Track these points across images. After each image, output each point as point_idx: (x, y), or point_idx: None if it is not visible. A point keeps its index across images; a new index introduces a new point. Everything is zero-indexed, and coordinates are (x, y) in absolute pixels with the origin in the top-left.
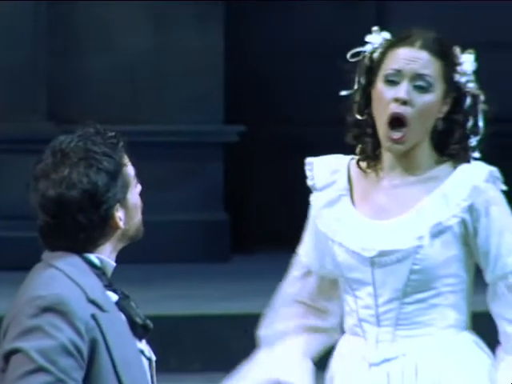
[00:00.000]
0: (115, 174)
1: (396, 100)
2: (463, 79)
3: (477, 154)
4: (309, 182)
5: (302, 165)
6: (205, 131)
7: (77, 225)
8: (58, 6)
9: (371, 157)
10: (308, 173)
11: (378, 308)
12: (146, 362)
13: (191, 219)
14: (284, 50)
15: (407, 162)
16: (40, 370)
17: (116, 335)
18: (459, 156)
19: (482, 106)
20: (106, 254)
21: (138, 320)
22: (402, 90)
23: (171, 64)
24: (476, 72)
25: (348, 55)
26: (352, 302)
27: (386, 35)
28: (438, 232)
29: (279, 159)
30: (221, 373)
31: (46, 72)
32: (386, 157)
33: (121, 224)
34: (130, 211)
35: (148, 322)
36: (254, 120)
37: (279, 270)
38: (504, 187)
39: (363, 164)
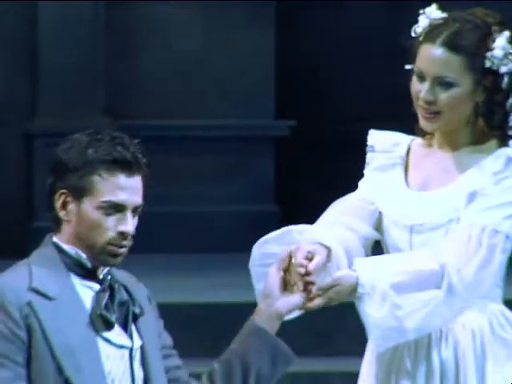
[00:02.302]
0: (74, 167)
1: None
2: (496, 63)
3: None
4: (368, 143)
5: (351, 160)
6: (256, 125)
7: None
8: (115, 8)
9: (425, 133)
10: (369, 137)
11: None
12: (116, 351)
13: (243, 211)
14: (332, 49)
15: (452, 139)
16: None
17: (58, 322)
18: (503, 134)
19: None
20: (74, 247)
21: (98, 311)
22: (424, 90)
23: (224, 62)
24: None
25: (411, 33)
26: None
27: (436, 14)
28: (472, 201)
29: (329, 154)
30: None
31: (104, 70)
32: (437, 134)
33: (61, 213)
34: (80, 217)
35: (108, 315)
36: (304, 116)
37: None
38: None
39: (421, 140)
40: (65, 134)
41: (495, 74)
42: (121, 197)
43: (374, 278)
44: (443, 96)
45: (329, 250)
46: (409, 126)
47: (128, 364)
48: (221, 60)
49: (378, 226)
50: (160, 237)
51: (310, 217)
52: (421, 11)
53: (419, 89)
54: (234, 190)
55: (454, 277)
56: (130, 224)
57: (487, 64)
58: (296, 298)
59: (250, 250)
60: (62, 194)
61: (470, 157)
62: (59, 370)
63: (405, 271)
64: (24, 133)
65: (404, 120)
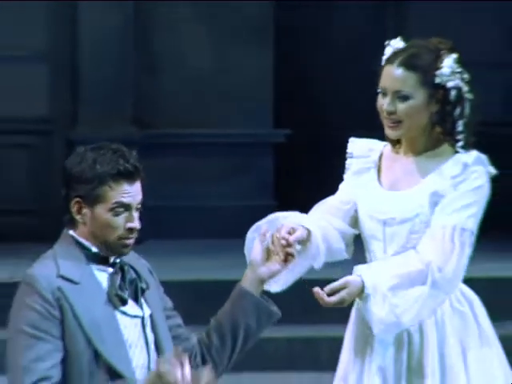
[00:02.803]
0: (86, 177)
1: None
2: (444, 79)
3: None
4: (348, 150)
5: (339, 163)
6: (257, 134)
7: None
8: (141, 30)
9: (394, 141)
10: (349, 145)
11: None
12: (131, 321)
13: (246, 205)
14: (325, 62)
15: (414, 146)
16: (22, 332)
17: (84, 302)
18: (453, 140)
19: (467, 95)
20: (89, 243)
21: (114, 291)
22: (386, 103)
23: (230, 80)
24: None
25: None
26: (367, 254)
27: (399, 45)
28: (434, 201)
29: (320, 157)
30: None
31: (132, 85)
32: (403, 141)
33: (77, 217)
34: (93, 218)
35: (123, 294)
36: (299, 124)
37: None
38: (492, 170)
39: (390, 147)
40: (100, 141)
41: (444, 88)
42: (127, 199)
43: (375, 281)
44: (401, 107)
45: (309, 231)
46: None
47: (141, 331)
48: (227, 78)
49: (355, 223)
50: (177, 225)
51: (303, 209)
52: (386, 43)
53: (382, 103)
54: (238, 187)
55: (436, 274)
56: (136, 221)
57: (437, 80)
58: (276, 265)
59: None
60: (77, 202)
61: (429, 161)
62: (88, 342)
63: (398, 275)
64: (66, 140)
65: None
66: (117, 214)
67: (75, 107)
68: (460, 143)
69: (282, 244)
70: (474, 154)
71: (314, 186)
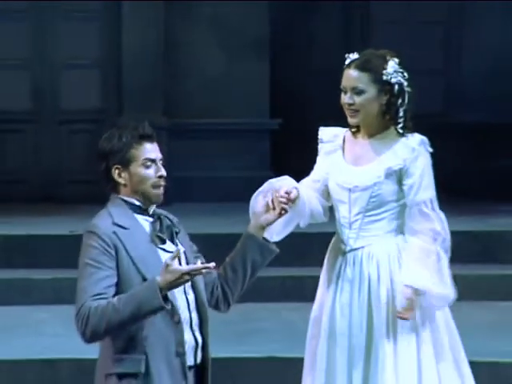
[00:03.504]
0: (118, 147)
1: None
2: (389, 77)
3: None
4: (319, 136)
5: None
6: (257, 122)
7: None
8: (171, 43)
9: (355, 128)
10: (319, 132)
11: (350, 218)
12: (168, 255)
13: (248, 176)
14: (313, 67)
15: (369, 130)
16: (87, 265)
17: (133, 242)
18: (396, 123)
19: (406, 89)
20: (133, 199)
21: (156, 233)
22: (346, 97)
23: (237, 82)
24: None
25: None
26: (336, 214)
27: (355, 56)
28: (388, 174)
29: (307, 141)
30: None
31: (163, 85)
32: (361, 127)
33: (119, 180)
34: (132, 176)
35: (162, 234)
36: (290, 116)
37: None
38: (431, 149)
39: (351, 132)
40: None
41: (390, 84)
42: (151, 155)
43: (420, 282)
44: (358, 99)
45: (298, 193)
46: None
47: (177, 263)
48: (234, 81)
49: (327, 196)
50: (196, 191)
51: (294, 178)
52: (346, 55)
53: (343, 98)
54: (242, 163)
55: (441, 245)
56: (162, 169)
57: (384, 77)
58: (272, 216)
59: (249, 200)
60: (116, 168)
61: (380, 143)
62: (137, 270)
63: (426, 267)
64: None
65: None
66: (147, 167)
67: (120, 102)
68: (400, 125)
69: (280, 201)
70: (418, 138)
71: (302, 163)
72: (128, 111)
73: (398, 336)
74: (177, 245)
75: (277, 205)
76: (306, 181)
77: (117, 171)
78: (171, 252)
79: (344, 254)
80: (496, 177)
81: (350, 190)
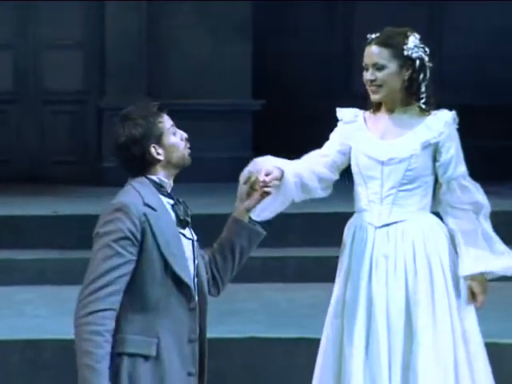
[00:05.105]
0: (147, 128)
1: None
2: (409, 52)
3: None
4: (338, 117)
5: (303, 124)
6: (240, 103)
7: (128, 158)
8: (155, 23)
9: (376, 105)
10: (338, 113)
11: (382, 193)
12: (187, 241)
13: (232, 156)
14: (293, 49)
15: (392, 106)
16: (107, 246)
17: (160, 226)
18: (418, 99)
19: (428, 64)
20: (161, 175)
21: (181, 217)
22: (368, 74)
23: (221, 64)
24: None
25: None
26: (363, 190)
27: (375, 35)
28: (424, 146)
29: (290, 123)
30: None
31: (146, 66)
32: (383, 103)
33: (158, 157)
34: (167, 148)
35: (187, 218)
36: (275, 98)
37: None
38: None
39: (372, 110)
40: (122, 109)
41: (411, 59)
42: (171, 121)
43: (478, 268)
44: (380, 75)
45: (282, 172)
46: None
47: (191, 250)
48: (217, 62)
49: (335, 170)
50: (182, 172)
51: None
52: (368, 36)
53: (365, 75)
54: (227, 143)
55: (484, 217)
56: (183, 132)
57: (405, 53)
58: (254, 200)
59: (237, 180)
60: (152, 147)
61: (406, 117)
62: (161, 254)
63: (480, 247)
64: (97, 108)
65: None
66: (174, 133)
67: (103, 83)
68: (423, 100)
69: (260, 185)
70: (449, 112)
71: (283, 142)
72: (111, 92)
73: (437, 308)
74: (191, 232)
75: (258, 188)
76: (314, 153)
77: (153, 149)
78: (190, 238)
79: (374, 229)
80: (477, 157)
81: (383, 163)
